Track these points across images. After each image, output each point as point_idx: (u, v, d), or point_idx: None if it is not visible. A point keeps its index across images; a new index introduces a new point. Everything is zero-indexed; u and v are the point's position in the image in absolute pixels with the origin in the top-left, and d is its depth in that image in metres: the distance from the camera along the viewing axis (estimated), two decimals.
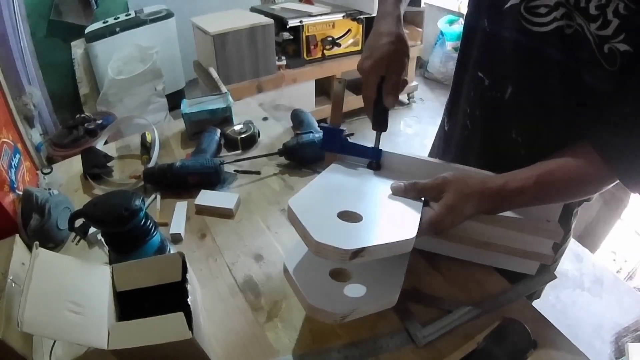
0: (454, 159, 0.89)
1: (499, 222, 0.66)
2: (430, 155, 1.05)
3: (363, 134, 3.09)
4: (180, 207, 0.88)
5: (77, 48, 2.80)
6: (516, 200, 0.62)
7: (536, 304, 0.70)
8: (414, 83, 3.40)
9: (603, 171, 0.59)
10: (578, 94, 0.64)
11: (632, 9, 0.51)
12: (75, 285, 0.56)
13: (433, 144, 1.04)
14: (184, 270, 0.60)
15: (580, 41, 0.58)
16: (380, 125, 0.73)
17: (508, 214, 0.67)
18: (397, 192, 0.64)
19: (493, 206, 0.62)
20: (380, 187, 0.66)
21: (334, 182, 0.67)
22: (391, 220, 0.58)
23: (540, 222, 0.68)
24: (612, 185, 0.62)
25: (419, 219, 0.57)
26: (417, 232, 0.54)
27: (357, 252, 0.47)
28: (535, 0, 0.62)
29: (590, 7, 0.55)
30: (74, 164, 1.06)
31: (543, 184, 0.61)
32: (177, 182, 0.93)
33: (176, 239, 0.82)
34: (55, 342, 0.62)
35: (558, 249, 0.88)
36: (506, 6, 0.66)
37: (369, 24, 2.79)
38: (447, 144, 0.94)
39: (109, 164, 1.04)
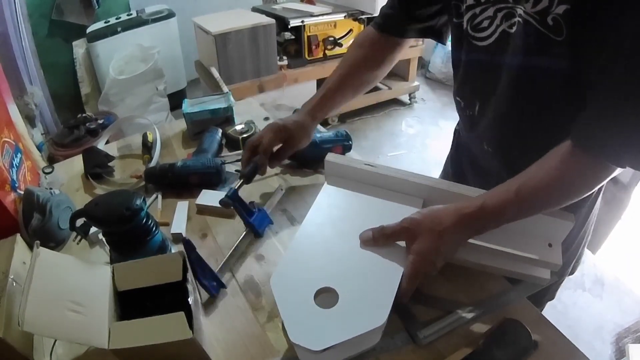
0: (459, 172, 0.93)
1: (495, 254, 0.66)
2: (445, 164, 1.06)
3: (364, 134, 3.09)
4: (182, 207, 0.88)
5: (79, 48, 2.80)
6: (500, 218, 0.60)
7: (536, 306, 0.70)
8: (416, 83, 3.40)
9: (585, 159, 0.55)
10: (530, 96, 0.64)
11: None
12: (76, 284, 0.56)
13: (446, 160, 1.06)
14: (185, 269, 0.60)
15: (526, 31, 0.58)
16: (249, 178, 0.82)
17: (505, 240, 0.66)
18: (367, 244, 0.64)
19: (476, 230, 0.61)
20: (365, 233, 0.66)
21: (318, 238, 0.68)
22: (367, 295, 0.59)
23: (540, 250, 0.66)
24: (606, 175, 0.56)
25: (395, 289, 0.59)
26: (399, 290, 0.59)
27: (328, 348, 0.52)
28: (477, 18, 0.64)
29: None
30: (75, 164, 1.06)
31: (525, 195, 0.58)
32: (178, 182, 0.93)
33: (177, 238, 0.82)
34: (55, 341, 0.62)
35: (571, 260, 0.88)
36: (463, 33, 0.68)
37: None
38: (457, 161, 0.97)
39: (110, 164, 1.04)
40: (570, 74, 0.57)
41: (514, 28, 0.60)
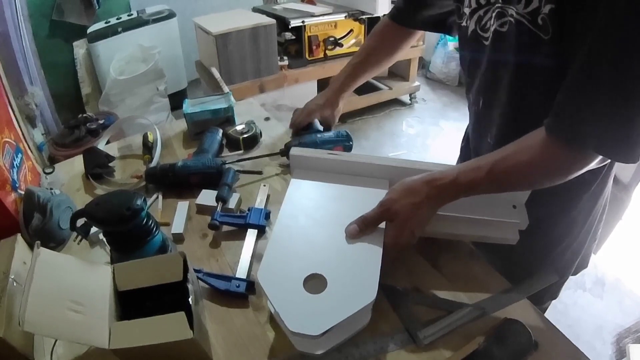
0: None
1: (464, 222, 0.70)
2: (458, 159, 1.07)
3: (365, 135, 3.09)
4: (182, 207, 0.88)
5: (79, 48, 2.80)
6: (472, 192, 0.63)
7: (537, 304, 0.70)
8: (416, 83, 3.40)
9: (557, 145, 0.56)
10: (526, 93, 0.66)
11: None
12: (77, 284, 0.57)
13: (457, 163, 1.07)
14: (185, 269, 0.60)
15: (519, 31, 0.60)
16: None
17: (472, 208, 0.69)
18: (353, 236, 0.65)
19: (451, 198, 0.65)
20: (341, 218, 0.68)
21: (295, 229, 0.69)
22: (354, 275, 0.61)
23: (506, 212, 0.70)
24: (579, 162, 0.57)
25: (379, 265, 0.61)
26: (382, 262, 0.62)
27: (326, 331, 0.54)
28: (483, 19, 0.67)
29: None
30: (76, 164, 1.06)
31: (496, 175, 0.60)
32: (178, 182, 0.93)
33: (178, 238, 0.82)
34: (56, 341, 0.62)
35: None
36: (469, 34, 0.72)
37: (370, 24, 2.80)
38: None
39: (110, 164, 1.04)
40: (559, 71, 0.58)
41: (506, 27, 0.63)
